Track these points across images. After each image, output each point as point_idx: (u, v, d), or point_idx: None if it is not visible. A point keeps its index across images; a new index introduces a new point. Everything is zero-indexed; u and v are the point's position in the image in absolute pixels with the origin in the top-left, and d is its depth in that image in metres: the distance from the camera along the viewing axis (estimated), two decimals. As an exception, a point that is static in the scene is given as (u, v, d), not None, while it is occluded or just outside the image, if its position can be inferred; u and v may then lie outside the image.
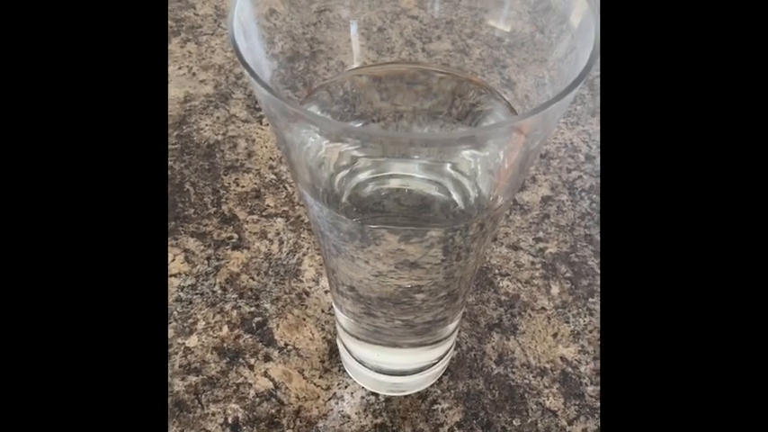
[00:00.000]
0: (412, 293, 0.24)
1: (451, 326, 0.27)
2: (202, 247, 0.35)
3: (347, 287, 0.25)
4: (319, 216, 0.22)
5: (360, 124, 0.24)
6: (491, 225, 0.22)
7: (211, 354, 0.31)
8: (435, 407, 0.29)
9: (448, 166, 0.23)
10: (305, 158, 0.21)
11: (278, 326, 0.32)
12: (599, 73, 0.44)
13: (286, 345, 0.31)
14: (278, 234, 0.36)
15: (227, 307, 0.33)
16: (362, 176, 0.23)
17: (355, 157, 0.23)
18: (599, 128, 0.41)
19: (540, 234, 0.36)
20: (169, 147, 0.40)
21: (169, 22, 0.48)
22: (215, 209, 0.37)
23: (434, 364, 0.29)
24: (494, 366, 0.31)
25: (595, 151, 0.40)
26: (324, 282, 0.34)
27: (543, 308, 0.33)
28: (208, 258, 0.34)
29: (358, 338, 0.28)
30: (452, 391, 0.30)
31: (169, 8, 0.49)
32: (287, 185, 0.38)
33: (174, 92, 0.43)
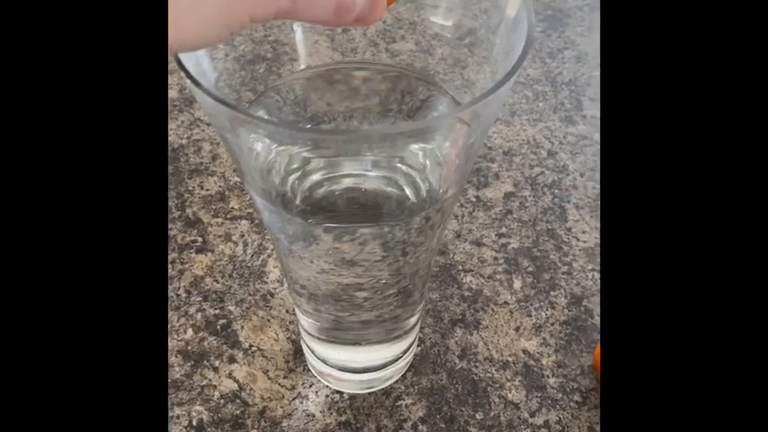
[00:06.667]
0: (351, 291, 0.24)
1: (412, 320, 0.28)
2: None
3: (300, 285, 0.25)
4: (269, 219, 0.23)
5: (310, 126, 0.24)
6: (439, 218, 0.22)
7: (176, 357, 0.31)
8: (399, 403, 0.30)
9: (398, 162, 0.23)
10: (255, 163, 0.21)
11: (242, 327, 0.32)
12: (561, 70, 0.45)
13: (251, 346, 0.32)
14: (242, 236, 0.36)
15: (192, 310, 0.33)
16: (315, 177, 0.24)
17: (306, 158, 0.23)
18: (561, 124, 0.42)
19: (503, 230, 0.36)
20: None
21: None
22: (179, 213, 0.37)
23: (398, 358, 0.29)
24: (457, 361, 0.31)
25: (557, 147, 0.40)
26: (288, 282, 0.34)
27: (506, 302, 0.33)
28: (172, 262, 0.34)
29: (319, 338, 0.28)
30: (416, 387, 0.30)
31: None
32: (252, 188, 0.38)
33: (139, 97, 0.43)
